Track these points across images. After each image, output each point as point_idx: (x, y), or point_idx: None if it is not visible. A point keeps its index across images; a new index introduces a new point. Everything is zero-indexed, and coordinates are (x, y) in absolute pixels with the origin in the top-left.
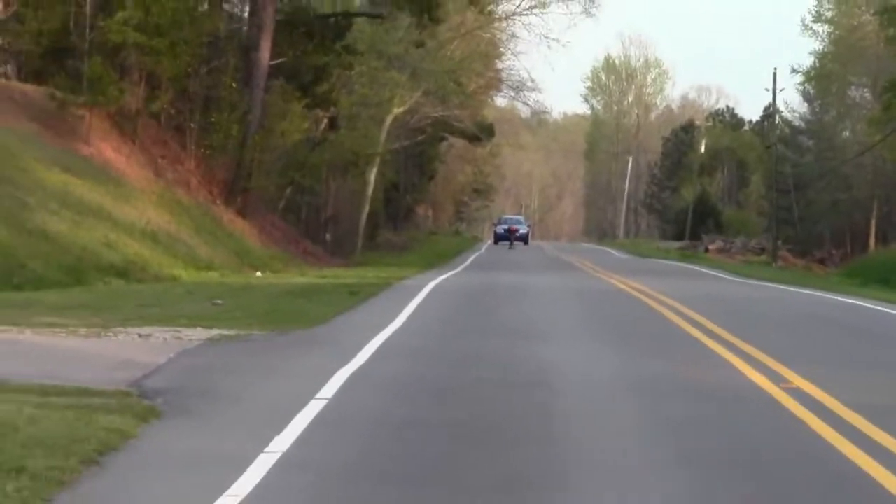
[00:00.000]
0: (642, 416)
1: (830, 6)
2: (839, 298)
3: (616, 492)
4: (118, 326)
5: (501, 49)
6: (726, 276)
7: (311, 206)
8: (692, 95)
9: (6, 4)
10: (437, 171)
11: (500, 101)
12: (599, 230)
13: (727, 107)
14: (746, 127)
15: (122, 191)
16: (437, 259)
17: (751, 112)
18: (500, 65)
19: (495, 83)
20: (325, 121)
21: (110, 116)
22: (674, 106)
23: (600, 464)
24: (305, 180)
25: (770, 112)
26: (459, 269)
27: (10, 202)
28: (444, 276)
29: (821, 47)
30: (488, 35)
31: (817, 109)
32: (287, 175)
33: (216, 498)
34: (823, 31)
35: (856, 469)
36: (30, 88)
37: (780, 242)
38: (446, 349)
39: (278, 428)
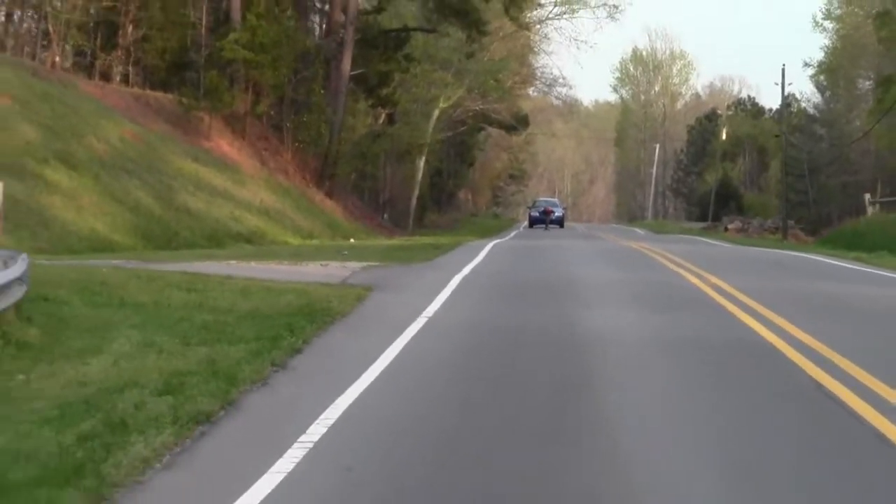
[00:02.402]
0: (621, 291)
1: (838, 5)
2: (794, 253)
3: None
4: (300, 262)
5: (535, 49)
6: (722, 244)
7: (370, 190)
8: (717, 85)
9: (135, 27)
10: (475, 159)
11: (534, 93)
12: (629, 213)
13: (748, 96)
14: (767, 115)
15: (238, 177)
16: (486, 232)
17: (771, 101)
18: (534, 63)
19: (530, 79)
20: (384, 116)
21: (224, 118)
22: (702, 94)
23: (590, 286)
24: (368, 168)
25: (784, 103)
26: (507, 238)
27: (160, 186)
28: (497, 241)
29: (829, 43)
30: (523, 38)
31: (828, 100)
32: (354, 163)
33: (418, 316)
34: (832, 28)
35: (743, 326)
36: (159, 95)
37: (792, 222)
38: (512, 271)
39: (435, 295)
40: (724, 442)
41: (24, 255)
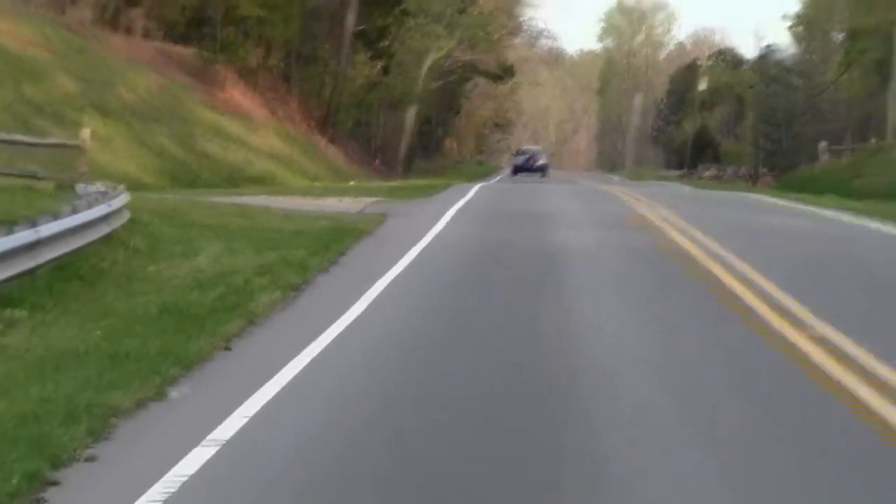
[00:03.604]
0: (584, 218)
1: None
2: (746, 194)
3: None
4: (319, 197)
5: (522, 2)
6: (686, 187)
7: (364, 137)
8: (700, 35)
9: None
10: (462, 108)
11: (520, 44)
12: (610, 161)
13: (728, 47)
14: (746, 66)
15: (250, 125)
16: (473, 177)
17: (752, 52)
18: (520, 16)
19: (516, 31)
20: (380, 67)
21: (238, 70)
22: (686, 44)
23: (560, 215)
24: (363, 116)
25: (763, 54)
26: (493, 181)
27: (182, 133)
28: (484, 183)
29: None
30: None
31: (805, 51)
32: (353, 112)
33: (427, 233)
34: None
35: (670, 239)
36: (180, 49)
37: (766, 169)
38: (497, 205)
39: (438, 220)
40: (639, 302)
41: (121, 187)
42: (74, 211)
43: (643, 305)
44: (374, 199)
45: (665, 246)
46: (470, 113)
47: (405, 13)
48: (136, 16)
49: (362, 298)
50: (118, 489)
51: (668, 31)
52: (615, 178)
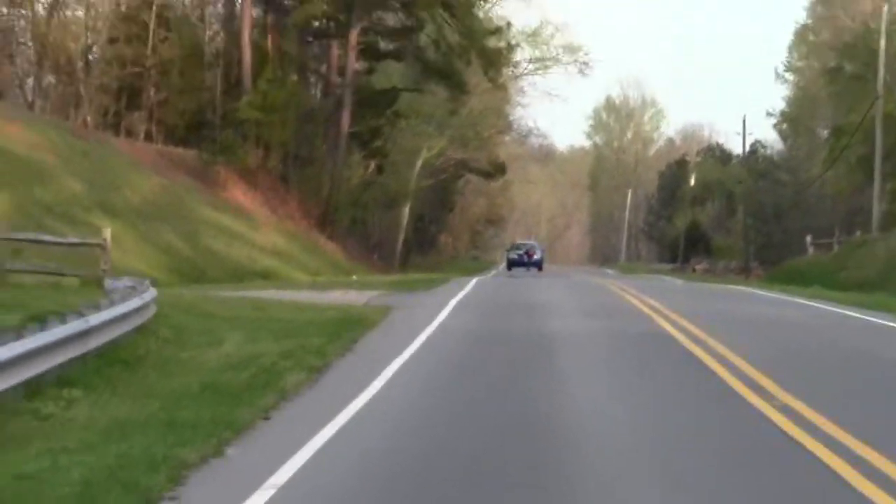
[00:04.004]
0: (577, 309)
1: (798, 58)
2: (733, 286)
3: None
4: (325, 291)
5: (511, 102)
6: (677, 281)
7: (361, 234)
8: (689, 131)
9: (157, 90)
10: (455, 204)
11: (510, 141)
12: (603, 256)
13: (717, 143)
14: (735, 161)
15: (252, 223)
16: (469, 272)
17: (740, 147)
18: (510, 115)
19: (506, 129)
20: (374, 166)
21: (238, 171)
22: (675, 139)
23: (555, 307)
24: (359, 213)
25: (751, 151)
26: (489, 276)
27: (186, 230)
28: (480, 277)
29: (790, 94)
30: (500, 92)
31: (790, 147)
32: (350, 210)
33: (430, 323)
34: (792, 80)
35: (656, 325)
36: (180, 151)
37: (756, 263)
38: (495, 297)
39: (440, 311)
40: (628, 382)
41: (147, 282)
42: (112, 304)
43: (625, 378)
44: (377, 292)
45: (651, 331)
46: (463, 209)
47: (397, 114)
48: (137, 120)
49: (378, 378)
50: None
51: (657, 127)
52: (609, 271)
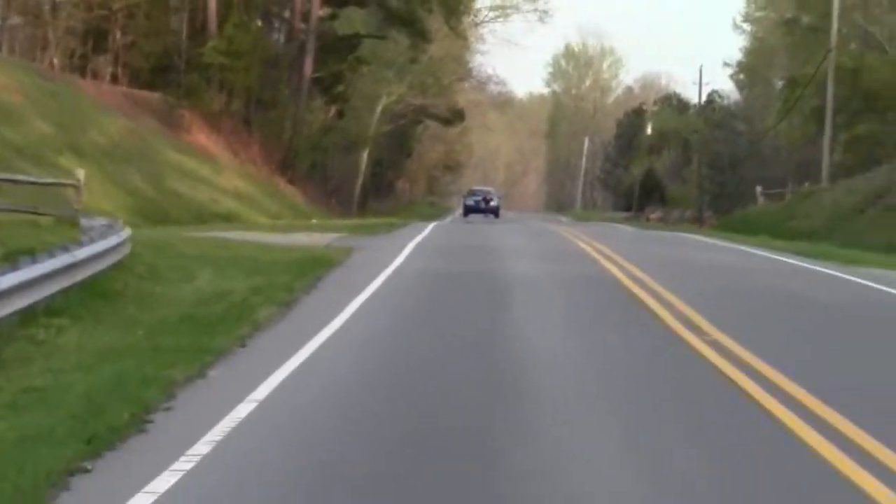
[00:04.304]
0: (528, 252)
1: (755, 8)
2: (681, 234)
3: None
4: (287, 233)
5: (471, 49)
6: (627, 228)
7: (320, 178)
8: (648, 79)
9: (123, 33)
10: (413, 150)
11: (470, 88)
12: (559, 203)
13: (674, 92)
14: (692, 111)
15: (215, 166)
16: (426, 217)
17: (697, 97)
18: (470, 62)
19: (466, 76)
20: (334, 111)
21: (202, 115)
22: (635, 87)
23: (507, 250)
24: (319, 158)
25: (708, 100)
26: (446, 220)
27: (151, 173)
28: (437, 222)
29: (747, 44)
30: (460, 40)
31: (747, 97)
32: (310, 155)
33: (390, 264)
34: (749, 30)
35: (602, 267)
36: (146, 94)
37: (711, 212)
38: (451, 241)
39: (399, 252)
40: (568, 312)
41: (120, 221)
42: (92, 241)
43: (573, 315)
44: (337, 234)
45: (596, 274)
46: (421, 155)
47: (359, 60)
48: (103, 62)
49: (343, 312)
50: (195, 426)
51: (615, 76)
52: (563, 219)
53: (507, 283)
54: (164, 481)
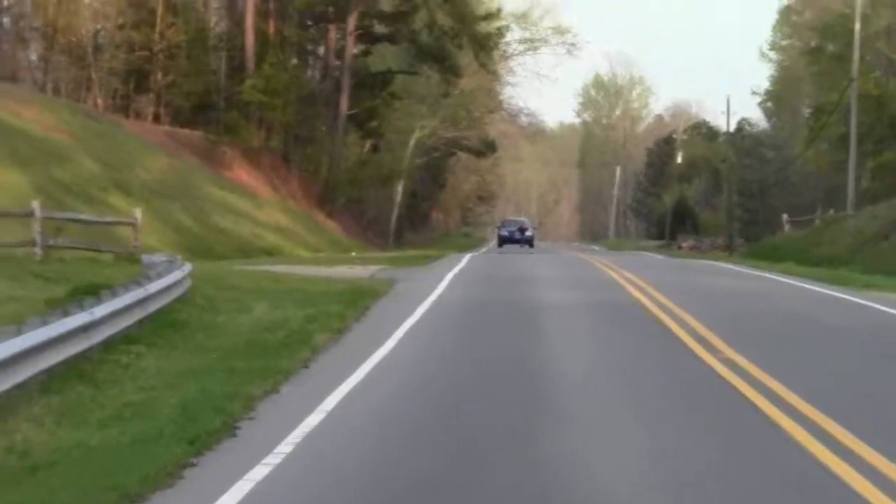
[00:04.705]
0: (561, 281)
1: (783, 37)
2: (709, 262)
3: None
4: (331, 266)
5: (501, 82)
6: (658, 256)
7: (356, 211)
8: (679, 108)
9: (164, 74)
10: (447, 182)
11: (501, 119)
12: (592, 232)
13: (704, 121)
14: (721, 139)
15: (256, 201)
16: (462, 248)
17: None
18: (500, 94)
19: (497, 108)
20: (369, 145)
21: (242, 151)
22: (665, 115)
23: (541, 279)
24: (355, 192)
25: (737, 128)
26: (480, 252)
27: (195, 209)
28: (472, 254)
29: (774, 72)
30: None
31: (775, 125)
32: (347, 189)
33: (431, 293)
34: (776, 59)
35: (628, 294)
36: (187, 132)
37: (742, 240)
38: (487, 271)
39: (439, 283)
40: (599, 341)
41: (179, 258)
42: (160, 276)
43: (598, 336)
44: (379, 267)
45: (622, 300)
46: (454, 187)
47: (392, 96)
48: (145, 102)
49: (392, 337)
50: (276, 431)
51: (645, 105)
52: (596, 248)
53: (540, 310)
54: (258, 472)
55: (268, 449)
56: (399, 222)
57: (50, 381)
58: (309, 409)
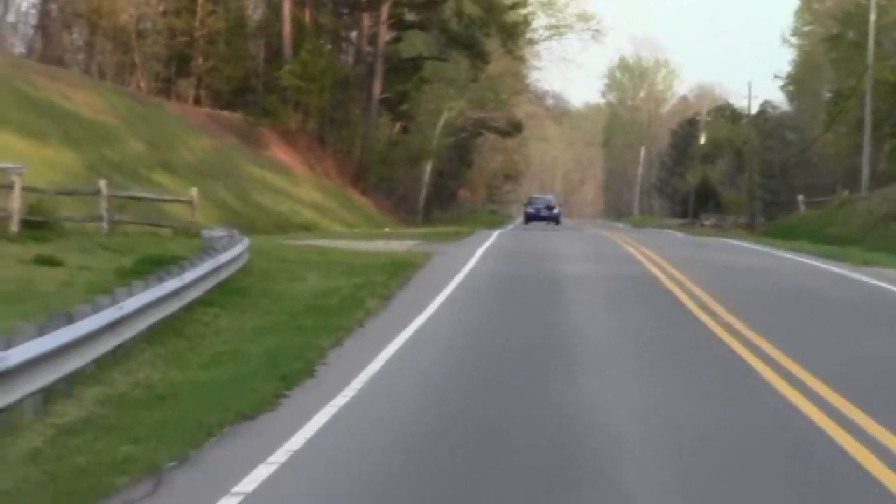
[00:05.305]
0: (585, 255)
1: (805, 23)
2: (726, 240)
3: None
4: (370, 240)
5: (528, 66)
6: (679, 234)
7: (387, 188)
8: (703, 89)
9: (205, 59)
10: (474, 161)
11: (527, 101)
12: (617, 211)
13: (728, 102)
14: (744, 120)
15: (293, 179)
16: (490, 225)
17: (751, 107)
18: (527, 77)
19: (523, 91)
20: (399, 127)
21: (280, 133)
22: (690, 96)
23: (566, 253)
24: (386, 171)
25: (760, 111)
26: (508, 228)
27: (236, 187)
28: (501, 230)
29: (796, 57)
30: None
31: (796, 108)
32: (380, 168)
33: (465, 266)
34: (797, 44)
35: (645, 269)
36: (227, 114)
37: (763, 219)
38: (516, 246)
39: (471, 257)
40: (614, 308)
41: (236, 231)
42: (225, 248)
43: (614, 304)
44: (414, 241)
45: (640, 273)
46: (481, 165)
47: (422, 80)
48: (186, 85)
49: (433, 302)
50: (346, 373)
51: (670, 87)
52: (620, 225)
53: (563, 281)
54: (338, 401)
55: (343, 385)
56: (427, 200)
57: (151, 334)
58: (370, 358)
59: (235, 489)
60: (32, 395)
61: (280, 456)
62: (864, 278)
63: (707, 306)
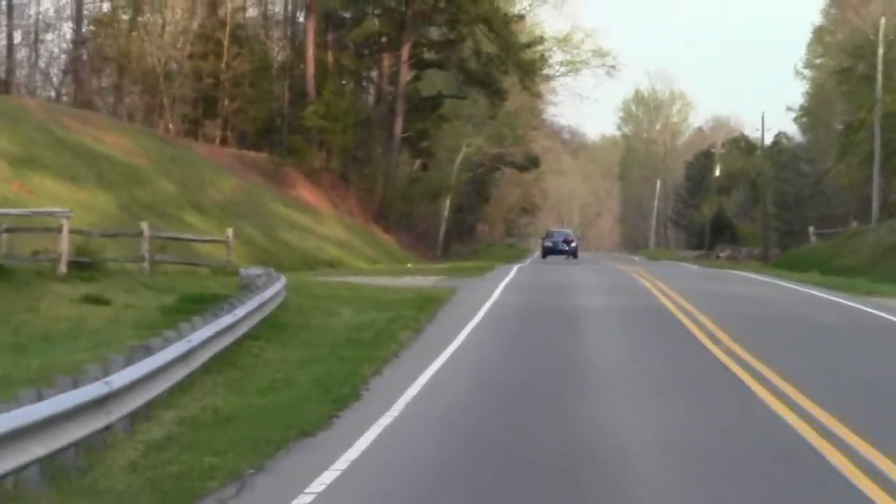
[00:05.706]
0: (600, 289)
1: (816, 56)
2: (737, 272)
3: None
4: (397, 276)
5: (544, 101)
6: (692, 266)
7: (407, 224)
8: (718, 121)
9: (231, 101)
10: (491, 195)
11: (544, 135)
12: (633, 243)
13: (742, 134)
14: (759, 152)
15: (318, 217)
16: (509, 259)
17: (765, 138)
18: (543, 112)
19: (539, 126)
20: (419, 163)
21: (304, 172)
22: (705, 128)
23: (582, 287)
24: (406, 208)
25: (774, 142)
26: (527, 262)
27: (263, 225)
28: (520, 264)
29: (808, 89)
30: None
31: (810, 140)
32: (401, 205)
33: (488, 300)
34: (809, 76)
35: (657, 301)
36: (253, 154)
37: (778, 250)
38: (535, 280)
39: (493, 291)
40: (627, 335)
41: (273, 270)
42: (266, 286)
43: (627, 333)
44: (438, 277)
45: (651, 305)
46: (499, 200)
47: (441, 118)
48: (213, 126)
49: (461, 334)
50: (388, 396)
51: (685, 119)
52: (636, 258)
53: (580, 313)
54: (385, 419)
55: (387, 407)
56: (447, 235)
57: (210, 365)
58: (408, 384)
59: (308, 489)
60: (127, 416)
61: (341, 464)
62: (860, 307)
63: (711, 333)
